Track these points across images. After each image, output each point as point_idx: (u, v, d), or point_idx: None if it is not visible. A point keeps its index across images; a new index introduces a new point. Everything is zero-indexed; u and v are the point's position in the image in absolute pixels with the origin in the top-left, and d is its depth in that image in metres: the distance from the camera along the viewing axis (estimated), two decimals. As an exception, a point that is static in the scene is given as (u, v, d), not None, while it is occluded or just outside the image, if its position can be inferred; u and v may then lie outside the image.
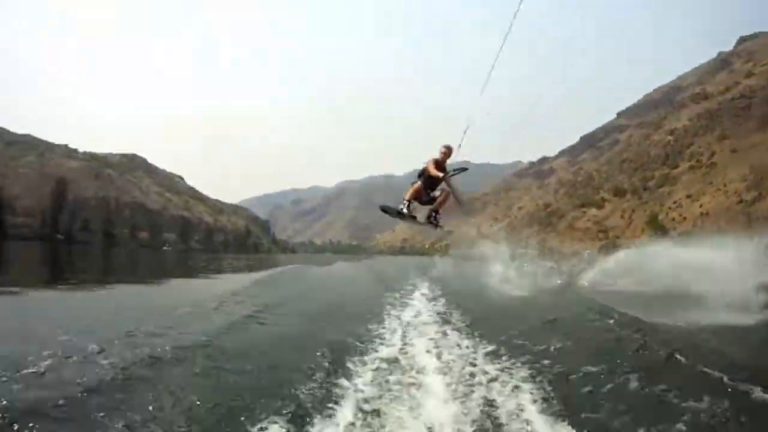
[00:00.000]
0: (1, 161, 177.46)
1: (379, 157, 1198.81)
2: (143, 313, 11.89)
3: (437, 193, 12.58)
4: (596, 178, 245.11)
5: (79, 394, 5.87)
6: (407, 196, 12.53)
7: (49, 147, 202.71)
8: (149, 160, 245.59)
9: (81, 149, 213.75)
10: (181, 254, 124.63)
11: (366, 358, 8.50)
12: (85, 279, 29.26)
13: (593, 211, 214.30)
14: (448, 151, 12.26)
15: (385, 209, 13.33)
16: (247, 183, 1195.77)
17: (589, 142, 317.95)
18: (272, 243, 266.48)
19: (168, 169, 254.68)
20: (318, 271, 37.08)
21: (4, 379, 6.26)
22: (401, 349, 9.37)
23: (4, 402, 5.48)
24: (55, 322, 10.76)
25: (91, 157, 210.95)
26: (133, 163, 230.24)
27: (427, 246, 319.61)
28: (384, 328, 11.32)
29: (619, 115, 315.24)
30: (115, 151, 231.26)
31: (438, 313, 14.22)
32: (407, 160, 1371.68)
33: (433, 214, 12.76)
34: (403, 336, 10.59)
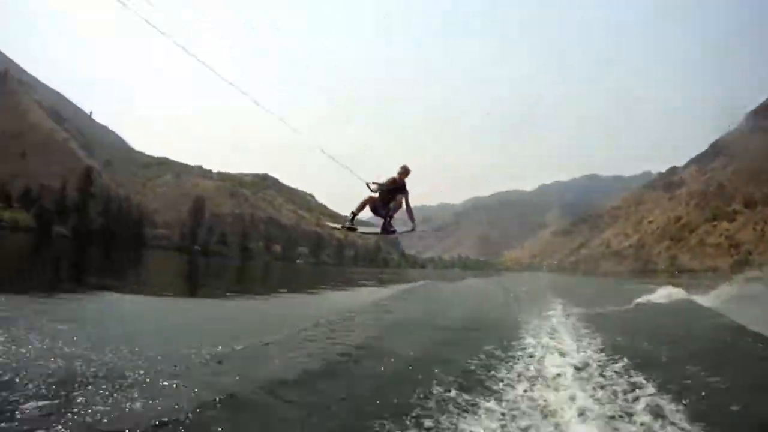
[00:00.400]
0: (139, 180, 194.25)
1: (507, 173, 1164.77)
2: (300, 320, 14.40)
3: (394, 201, 13.00)
4: (727, 188, 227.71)
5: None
6: (354, 209, 13.10)
7: (185, 168, 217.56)
8: (281, 180, 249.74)
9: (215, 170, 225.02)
10: (314, 267, 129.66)
11: (506, 368, 9.39)
12: (242, 288, 33.33)
13: (725, 224, 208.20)
14: (404, 172, 12.99)
15: (329, 225, 17.75)
16: None
17: (718, 148, 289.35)
18: (401, 258, 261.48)
19: (300, 188, 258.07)
20: (451, 286, 40.98)
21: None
22: (540, 356, 10.53)
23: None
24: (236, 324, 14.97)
25: (225, 177, 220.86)
26: (264, 183, 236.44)
27: (555, 263, 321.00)
28: (521, 336, 13.10)
29: (747, 115, 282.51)
30: (247, 171, 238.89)
31: (566, 319, 17.33)
32: (536, 176, 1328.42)
33: (388, 220, 13.21)
34: (540, 342, 12.31)
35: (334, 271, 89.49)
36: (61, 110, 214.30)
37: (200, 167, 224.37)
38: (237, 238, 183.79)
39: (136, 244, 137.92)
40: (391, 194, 12.87)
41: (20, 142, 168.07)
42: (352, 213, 13.08)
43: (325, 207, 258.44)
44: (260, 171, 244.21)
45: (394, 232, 13.36)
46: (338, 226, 14.10)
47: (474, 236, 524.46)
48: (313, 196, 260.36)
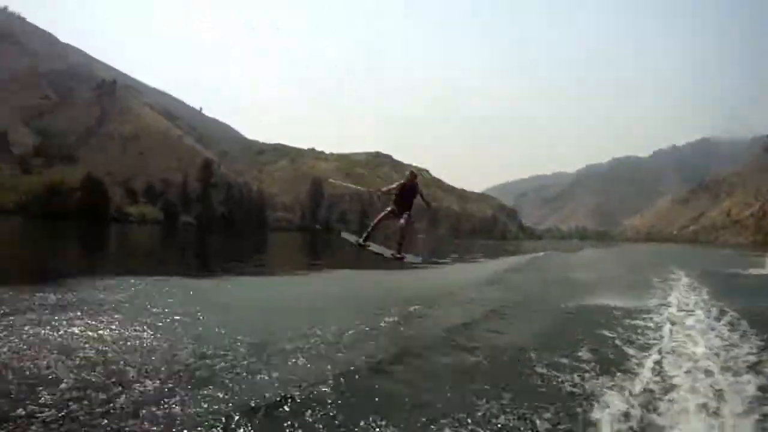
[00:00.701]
0: (256, 166, 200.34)
1: (621, 138, 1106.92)
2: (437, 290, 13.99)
3: (402, 221, 12.92)
4: None
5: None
6: (369, 229, 13.41)
7: (299, 152, 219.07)
8: (394, 156, 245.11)
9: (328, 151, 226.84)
10: (431, 239, 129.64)
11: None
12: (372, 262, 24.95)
13: None
14: (412, 177, 13.37)
15: (344, 237, 14.67)
16: (493, 172, 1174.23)
17: None
18: (519, 230, 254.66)
19: (413, 164, 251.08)
20: (573, 256, 43.60)
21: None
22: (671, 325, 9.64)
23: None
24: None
25: (340, 157, 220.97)
26: (378, 160, 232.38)
27: (675, 233, 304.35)
28: (648, 307, 11.70)
29: None
30: (360, 151, 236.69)
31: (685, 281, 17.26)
32: (651, 141, 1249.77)
33: (398, 248, 13.27)
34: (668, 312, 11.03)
35: (455, 243, 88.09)
36: (172, 110, 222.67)
37: (313, 150, 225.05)
38: (357, 215, 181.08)
39: (259, 227, 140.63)
40: (405, 198, 13.19)
41: (138, 143, 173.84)
42: (367, 232, 13.49)
43: (440, 181, 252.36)
44: (372, 149, 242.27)
45: (402, 258, 13.29)
46: (353, 239, 14.05)
47: (589, 205, 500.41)
48: (428, 171, 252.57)
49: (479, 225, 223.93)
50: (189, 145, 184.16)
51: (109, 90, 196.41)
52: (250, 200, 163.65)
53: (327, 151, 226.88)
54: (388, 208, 13.35)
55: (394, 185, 13.50)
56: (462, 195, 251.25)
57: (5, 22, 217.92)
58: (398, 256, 13.23)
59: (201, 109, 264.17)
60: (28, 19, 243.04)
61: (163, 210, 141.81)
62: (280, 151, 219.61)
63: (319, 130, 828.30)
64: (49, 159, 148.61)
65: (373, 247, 13.62)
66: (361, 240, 13.57)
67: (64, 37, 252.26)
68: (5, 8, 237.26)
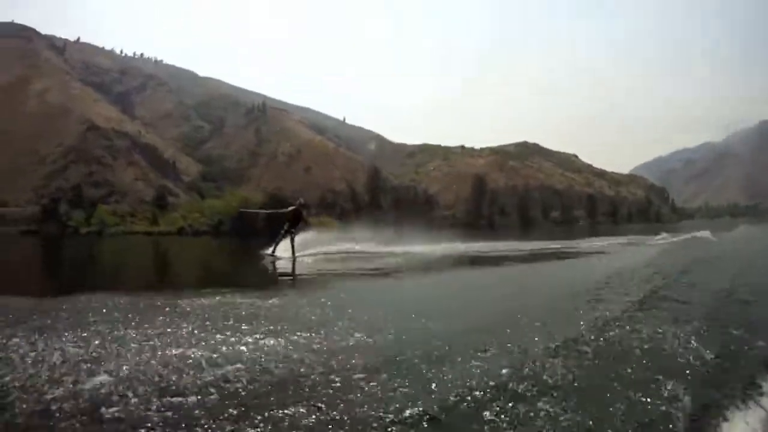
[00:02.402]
0: (411, 168, 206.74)
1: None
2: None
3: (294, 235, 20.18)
4: None
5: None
6: (278, 240, 20.27)
7: (449, 150, 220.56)
8: (542, 144, 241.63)
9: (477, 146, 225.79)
10: (600, 227, 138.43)
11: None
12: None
13: None
14: (301, 207, 20.83)
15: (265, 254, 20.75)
16: (638, 151, 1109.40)
17: None
18: (671, 210, 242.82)
19: (562, 150, 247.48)
20: (728, 235, 39.17)
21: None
22: None
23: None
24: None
25: (492, 151, 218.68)
26: (527, 150, 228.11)
27: None
28: None
29: None
30: (508, 142, 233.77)
31: None
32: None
33: (292, 250, 19.75)
34: None
35: (622, 228, 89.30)
36: (318, 123, 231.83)
37: (463, 146, 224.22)
38: (515, 209, 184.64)
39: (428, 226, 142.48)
40: (295, 219, 20.29)
41: (300, 159, 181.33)
42: (274, 247, 20.03)
43: (590, 166, 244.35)
44: (519, 139, 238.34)
45: (295, 258, 19.35)
46: (270, 252, 20.00)
47: (740, 176, 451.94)
48: (576, 156, 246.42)
49: (635, 210, 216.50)
50: (346, 154, 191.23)
51: (261, 113, 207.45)
52: (416, 200, 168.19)
53: (477, 147, 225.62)
54: (284, 228, 19.85)
55: (289, 209, 20.43)
56: (612, 178, 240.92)
57: (146, 66, 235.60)
58: (294, 256, 19.40)
59: (344, 119, 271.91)
60: (164, 62, 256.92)
61: (339, 217, 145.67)
62: (430, 151, 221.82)
63: (462, 125, 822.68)
64: (218, 182, 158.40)
65: (278, 252, 19.69)
66: (270, 252, 19.87)
67: (202, 72, 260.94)
68: (142, 55, 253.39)
